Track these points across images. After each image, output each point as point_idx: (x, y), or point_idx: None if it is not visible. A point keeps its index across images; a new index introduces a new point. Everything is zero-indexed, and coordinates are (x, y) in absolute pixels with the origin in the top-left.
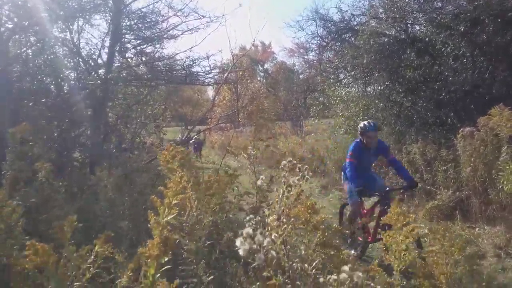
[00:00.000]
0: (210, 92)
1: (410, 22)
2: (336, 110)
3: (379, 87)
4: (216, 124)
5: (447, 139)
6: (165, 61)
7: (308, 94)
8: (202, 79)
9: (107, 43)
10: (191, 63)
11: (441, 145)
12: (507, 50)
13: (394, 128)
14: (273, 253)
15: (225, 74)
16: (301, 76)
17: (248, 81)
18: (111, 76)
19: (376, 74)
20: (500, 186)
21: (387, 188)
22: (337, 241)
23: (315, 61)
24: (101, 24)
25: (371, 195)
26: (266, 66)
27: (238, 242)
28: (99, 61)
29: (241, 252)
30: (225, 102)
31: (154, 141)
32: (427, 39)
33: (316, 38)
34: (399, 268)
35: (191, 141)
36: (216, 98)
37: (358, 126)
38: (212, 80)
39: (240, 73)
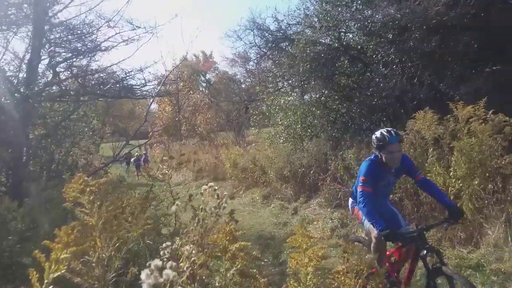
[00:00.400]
0: (153, 105)
1: (343, 30)
2: (275, 119)
3: (316, 95)
4: (149, 139)
5: None
6: (98, 74)
7: (249, 103)
8: (138, 92)
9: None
10: (125, 76)
11: None
12: (432, 56)
13: (331, 135)
14: None
15: (159, 87)
16: (243, 86)
17: (190, 92)
18: (30, 94)
19: (312, 82)
20: None
21: (423, 226)
22: (255, 270)
23: (255, 71)
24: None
25: (403, 237)
26: (208, 76)
27: (143, 275)
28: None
29: (144, 287)
30: (166, 114)
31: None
32: (359, 46)
33: (254, 47)
34: None
35: (132, 159)
36: (151, 110)
37: (373, 137)
38: (147, 93)
39: (181, 84)
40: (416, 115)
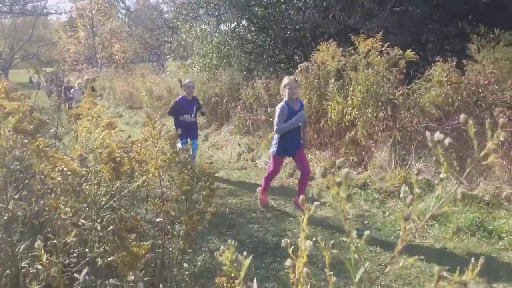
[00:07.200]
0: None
1: None
2: (192, 49)
3: (232, 25)
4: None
5: (290, 74)
6: None
7: (168, 33)
8: (33, 8)
9: None
10: None
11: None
12: None
13: (245, 65)
14: None
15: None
16: (166, 16)
17: (105, 18)
18: None
19: (229, 11)
20: (329, 115)
21: None
22: None
23: None
24: None
25: None
26: (128, 3)
27: None
28: None
29: None
30: (80, 40)
31: None
32: None
33: None
34: None
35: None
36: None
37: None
38: (45, 10)
39: (96, 7)
40: (319, 47)
